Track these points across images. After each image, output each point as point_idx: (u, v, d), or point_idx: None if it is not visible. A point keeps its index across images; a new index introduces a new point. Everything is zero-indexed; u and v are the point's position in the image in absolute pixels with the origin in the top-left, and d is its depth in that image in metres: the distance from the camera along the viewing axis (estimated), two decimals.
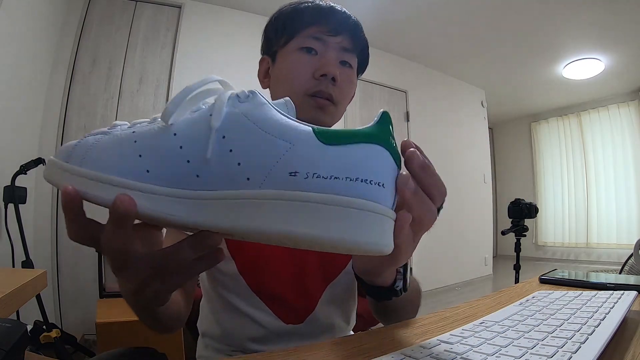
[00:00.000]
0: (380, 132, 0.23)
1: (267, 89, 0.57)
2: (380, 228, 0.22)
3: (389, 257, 0.27)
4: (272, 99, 0.52)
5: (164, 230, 0.38)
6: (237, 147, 0.22)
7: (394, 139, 0.24)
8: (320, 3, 0.53)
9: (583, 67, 3.64)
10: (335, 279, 0.57)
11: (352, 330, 0.66)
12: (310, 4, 0.52)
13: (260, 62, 0.59)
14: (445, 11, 2.79)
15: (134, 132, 0.24)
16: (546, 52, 3.41)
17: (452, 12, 2.80)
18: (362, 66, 0.58)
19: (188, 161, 0.22)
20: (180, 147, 0.23)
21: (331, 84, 0.51)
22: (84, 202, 0.23)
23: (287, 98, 0.26)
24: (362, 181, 0.21)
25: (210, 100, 0.25)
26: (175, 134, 0.23)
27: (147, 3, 2.41)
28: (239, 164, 0.22)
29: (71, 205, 0.23)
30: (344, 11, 0.53)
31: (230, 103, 0.24)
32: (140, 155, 0.23)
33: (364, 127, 0.23)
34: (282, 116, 0.23)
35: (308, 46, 0.51)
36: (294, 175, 0.21)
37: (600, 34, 3.02)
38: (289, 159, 0.21)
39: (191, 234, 0.25)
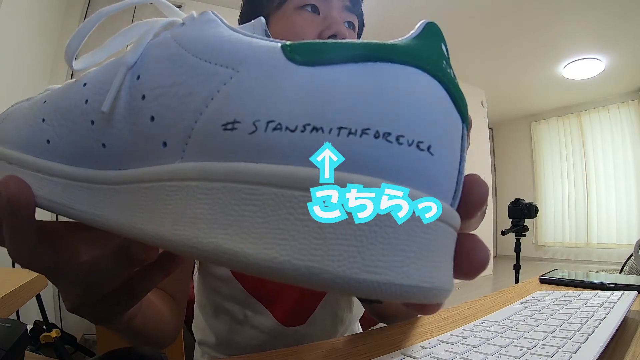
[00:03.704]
0: (425, 49, 0.12)
1: None
2: (428, 248, 0.10)
3: None
4: None
5: None
6: (152, 89, 0.13)
7: (450, 67, 0.12)
8: None
9: (583, 67, 3.64)
10: None
11: None
12: None
13: None
14: (445, 11, 2.79)
15: (47, 90, 0.18)
16: (546, 52, 3.41)
17: (452, 12, 2.80)
18: (360, 33, 0.54)
19: (92, 122, 0.15)
20: (86, 102, 0.15)
21: None
22: None
23: (259, 18, 0.16)
24: (378, 137, 0.10)
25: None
26: (85, 84, 0.16)
27: (147, 3, 2.41)
28: (152, 118, 0.13)
29: None
30: None
31: (164, 31, 0.16)
32: (43, 120, 0.16)
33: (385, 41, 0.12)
34: (234, 33, 0.13)
35: (310, 3, 0.46)
36: (232, 129, 0.11)
37: (600, 34, 3.02)
38: (227, 97, 0.12)
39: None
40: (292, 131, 0.10)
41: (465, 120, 0.12)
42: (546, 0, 2.60)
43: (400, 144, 0.10)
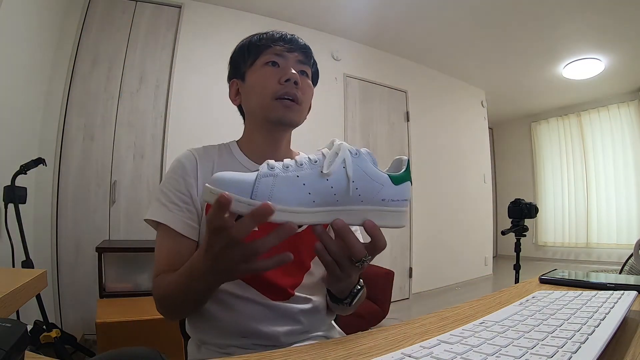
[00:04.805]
0: (409, 174, 0.46)
1: (238, 106, 0.72)
2: (406, 218, 0.46)
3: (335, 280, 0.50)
4: (246, 110, 0.71)
5: None
6: (359, 186, 0.42)
7: (410, 171, 0.46)
8: (274, 32, 0.68)
9: (583, 67, 3.64)
10: (310, 268, 0.67)
11: (352, 330, 0.66)
12: (268, 33, 0.68)
13: (230, 85, 0.72)
14: (445, 11, 2.79)
15: (297, 176, 0.41)
16: (546, 52, 3.41)
17: (453, 12, 2.80)
18: (315, 78, 0.73)
19: (334, 194, 0.41)
20: (331, 187, 0.41)
21: (294, 87, 0.63)
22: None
23: (369, 150, 0.44)
24: (405, 200, 0.45)
25: (327, 150, 0.44)
26: (327, 179, 0.41)
27: (147, 3, 2.41)
28: (359, 195, 0.42)
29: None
30: (294, 35, 0.69)
31: (351, 159, 0.42)
32: (309, 193, 0.41)
33: (402, 171, 0.45)
34: (373, 167, 0.43)
35: (273, 60, 0.65)
36: (384, 200, 0.43)
37: (600, 34, 3.02)
38: (382, 193, 0.43)
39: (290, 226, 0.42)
40: (395, 201, 0.44)
41: (411, 183, 0.46)
42: (546, 0, 2.60)
43: (406, 201, 0.46)
